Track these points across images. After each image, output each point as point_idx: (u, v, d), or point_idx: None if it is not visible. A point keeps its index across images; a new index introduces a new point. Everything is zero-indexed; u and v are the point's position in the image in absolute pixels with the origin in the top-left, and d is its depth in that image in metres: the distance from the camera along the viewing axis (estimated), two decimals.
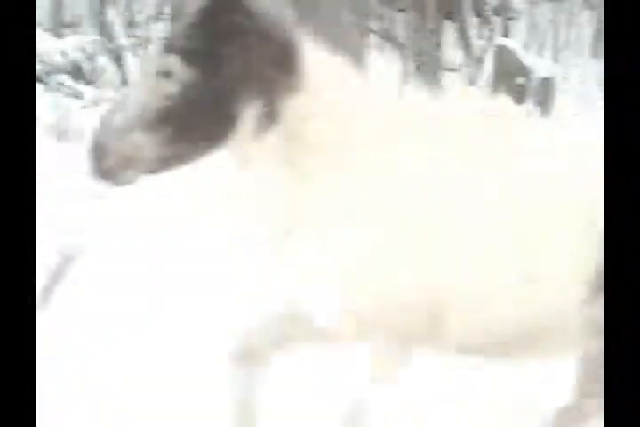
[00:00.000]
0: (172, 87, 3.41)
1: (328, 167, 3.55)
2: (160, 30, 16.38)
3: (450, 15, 16.08)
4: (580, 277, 3.58)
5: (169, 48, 3.46)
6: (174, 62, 3.42)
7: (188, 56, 3.41)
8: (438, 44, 11.92)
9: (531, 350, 3.79)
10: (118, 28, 14.94)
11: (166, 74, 3.42)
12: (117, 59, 14.03)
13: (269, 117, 3.48)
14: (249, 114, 3.45)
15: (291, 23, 3.53)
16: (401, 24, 16.91)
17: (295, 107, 3.48)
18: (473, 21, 17.32)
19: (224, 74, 3.42)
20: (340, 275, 3.53)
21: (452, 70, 15.86)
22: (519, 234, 3.61)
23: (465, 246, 3.58)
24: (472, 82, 15.45)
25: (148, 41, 15.66)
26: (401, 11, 17.33)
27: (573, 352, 3.90)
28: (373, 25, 14.30)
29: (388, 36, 17.05)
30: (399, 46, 16.04)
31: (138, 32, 16.62)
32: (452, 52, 16.34)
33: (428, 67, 11.51)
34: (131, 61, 14.24)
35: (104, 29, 14.99)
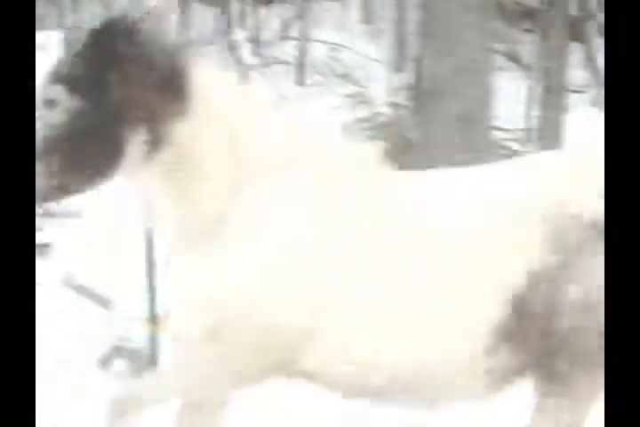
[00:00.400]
0: (57, 116, 3.44)
1: (216, 192, 3.55)
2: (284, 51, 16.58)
3: (576, 36, 15.88)
4: (484, 326, 3.52)
5: (54, 77, 3.50)
6: (59, 91, 3.45)
7: (73, 85, 3.45)
8: (564, 65, 11.83)
9: (438, 396, 3.68)
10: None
11: (51, 103, 3.45)
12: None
13: (155, 143, 3.51)
14: (135, 141, 3.48)
15: (178, 48, 3.60)
16: (526, 45, 16.76)
17: (182, 131, 3.52)
18: (598, 42, 17.06)
19: (109, 102, 3.45)
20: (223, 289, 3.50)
21: (578, 92, 15.65)
22: (425, 276, 3.54)
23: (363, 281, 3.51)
24: (596, 103, 15.21)
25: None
26: (527, 31, 17.20)
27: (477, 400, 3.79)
28: (499, 46, 14.25)
29: (513, 57, 16.94)
30: (525, 67, 15.93)
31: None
32: (578, 73, 16.13)
33: (553, 88, 11.46)
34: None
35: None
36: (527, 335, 3.53)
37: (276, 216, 3.55)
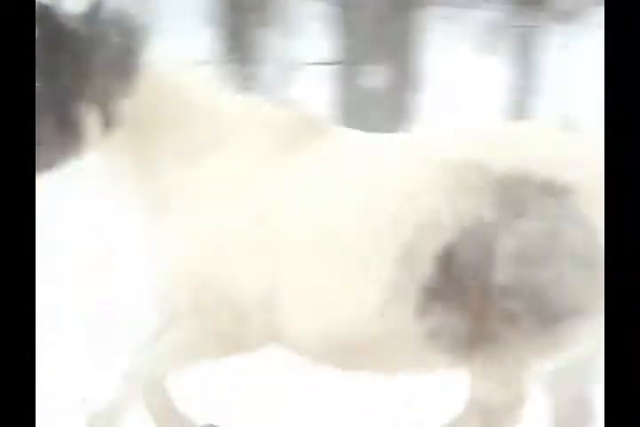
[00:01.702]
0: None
1: (174, 164, 3.69)
2: None
3: None
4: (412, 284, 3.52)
5: None
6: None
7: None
8: None
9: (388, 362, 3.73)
10: None
11: None
12: None
13: (109, 121, 3.64)
14: (89, 120, 3.61)
15: (130, 28, 3.68)
16: None
17: (132, 109, 3.66)
18: None
19: (61, 83, 3.56)
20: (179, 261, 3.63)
21: None
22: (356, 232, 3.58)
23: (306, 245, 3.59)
24: None
25: None
26: None
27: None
28: None
29: None
30: None
31: None
32: None
33: None
34: None
35: None
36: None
37: (232, 186, 3.66)
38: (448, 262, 3.48)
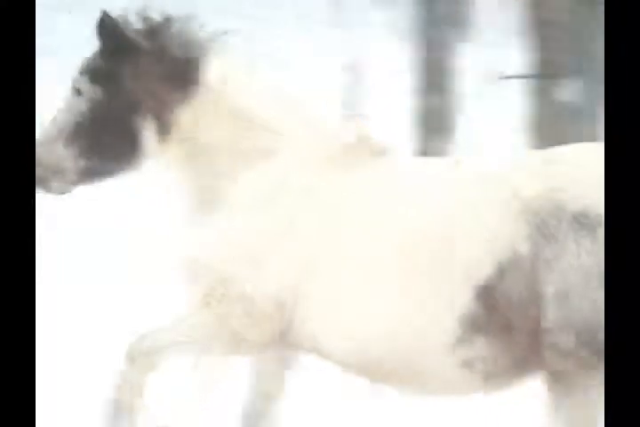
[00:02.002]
0: (82, 104, 3.75)
1: (226, 173, 3.79)
2: None
3: None
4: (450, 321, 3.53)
5: (83, 68, 3.82)
6: (83, 81, 3.77)
7: (94, 76, 3.77)
8: None
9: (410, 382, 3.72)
10: None
11: (78, 91, 3.75)
12: None
13: (164, 130, 3.79)
14: (148, 129, 3.78)
15: (193, 40, 3.81)
16: None
17: (187, 117, 3.78)
18: None
19: (123, 92, 3.75)
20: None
21: None
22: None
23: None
24: None
25: None
26: None
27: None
28: None
29: None
30: None
31: None
32: None
33: None
34: None
35: None
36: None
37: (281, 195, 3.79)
38: (488, 295, 3.50)
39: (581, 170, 3.56)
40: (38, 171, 3.69)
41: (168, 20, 3.81)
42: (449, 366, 3.60)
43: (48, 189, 3.85)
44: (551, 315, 3.48)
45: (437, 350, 3.59)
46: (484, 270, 3.51)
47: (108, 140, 3.77)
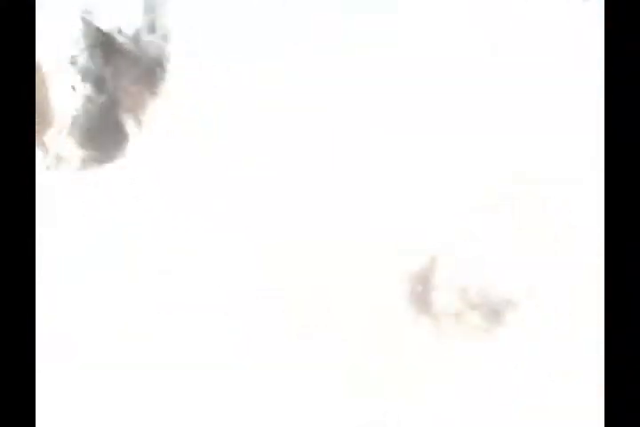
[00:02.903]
0: (77, 99, 4.08)
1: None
2: None
3: None
4: None
5: (78, 66, 4.09)
6: (77, 78, 4.06)
7: (85, 74, 4.04)
8: None
9: None
10: None
11: (73, 87, 4.05)
12: None
13: (142, 124, 4.09)
14: (129, 124, 4.09)
15: (161, 46, 4.10)
16: None
17: (164, 111, 4.05)
18: None
19: (108, 90, 4.01)
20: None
21: None
22: None
23: None
24: None
25: None
26: None
27: None
28: None
29: None
30: None
31: None
32: None
33: None
34: None
35: None
36: None
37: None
38: None
39: None
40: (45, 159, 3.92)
41: (154, 26, 3.99)
42: None
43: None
44: None
45: None
46: None
47: (99, 133, 4.14)
